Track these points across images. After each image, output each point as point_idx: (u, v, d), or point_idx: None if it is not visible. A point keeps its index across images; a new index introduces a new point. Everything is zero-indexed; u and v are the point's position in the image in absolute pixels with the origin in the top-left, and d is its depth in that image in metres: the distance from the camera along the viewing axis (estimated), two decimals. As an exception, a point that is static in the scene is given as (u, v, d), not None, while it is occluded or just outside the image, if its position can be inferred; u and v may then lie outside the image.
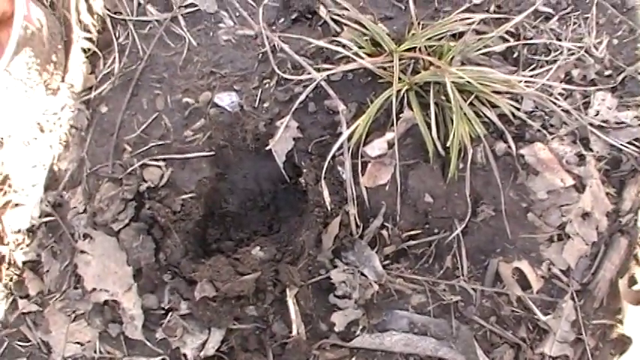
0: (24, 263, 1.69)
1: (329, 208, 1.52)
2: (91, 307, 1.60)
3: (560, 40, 1.64)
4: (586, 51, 1.64)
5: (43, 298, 1.65)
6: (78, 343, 1.60)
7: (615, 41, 1.67)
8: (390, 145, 1.52)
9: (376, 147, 1.52)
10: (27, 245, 1.70)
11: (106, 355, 1.58)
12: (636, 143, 1.57)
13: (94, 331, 1.59)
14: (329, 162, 1.53)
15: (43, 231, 1.70)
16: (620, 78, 1.63)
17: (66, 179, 1.70)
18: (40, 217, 1.70)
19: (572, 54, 1.63)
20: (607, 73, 1.64)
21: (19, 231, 1.72)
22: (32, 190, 1.73)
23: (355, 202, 1.53)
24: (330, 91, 1.56)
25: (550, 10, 1.68)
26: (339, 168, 1.54)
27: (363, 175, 1.54)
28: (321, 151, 1.59)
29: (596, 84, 1.62)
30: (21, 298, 1.67)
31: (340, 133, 1.53)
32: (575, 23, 1.67)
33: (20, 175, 1.74)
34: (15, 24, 1.49)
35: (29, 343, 1.64)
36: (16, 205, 1.73)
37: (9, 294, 1.68)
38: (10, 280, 1.69)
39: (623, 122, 1.56)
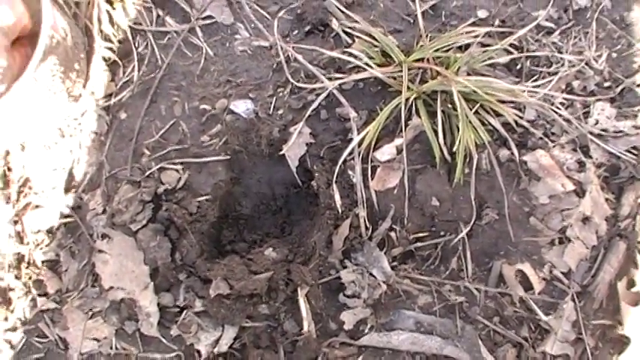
0: (43, 262, 1.77)
1: (339, 211, 1.61)
2: (108, 304, 1.67)
3: (561, 52, 1.74)
4: (586, 63, 1.74)
5: (61, 296, 1.73)
6: (95, 339, 1.67)
7: (614, 54, 1.76)
8: (399, 151, 1.61)
9: (385, 152, 1.61)
10: (46, 245, 1.78)
11: (121, 351, 1.65)
12: (634, 151, 1.65)
13: (110, 328, 1.66)
14: (340, 166, 1.62)
15: (62, 232, 1.78)
16: (618, 89, 1.72)
17: (85, 182, 1.79)
18: (59, 218, 1.78)
19: (573, 66, 1.72)
20: (606, 84, 1.73)
21: (38, 231, 1.80)
22: (52, 193, 1.81)
23: (365, 204, 1.61)
24: (342, 99, 1.65)
25: (552, 25, 1.78)
26: (350, 172, 1.63)
27: (372, 179, 1.62)
28: (333, 156, 1.68)
29: (595, 94, 1.71)
30: (40, 296, 1.75)
31: (351, 139, 1.62)
32: (575, 37, 1.76)
33: (41, 178, 1.83)
34: (42, 33, 1.59)
35: (47, 340, 1.71)
36: (37, 206, 1.82)
37: (28, 292, 1.76)
38: (29, 278, 1.77)
39: (621, 131, 1.65)
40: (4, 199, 1.85)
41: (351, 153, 1.61)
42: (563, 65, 1.71)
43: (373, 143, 1.62)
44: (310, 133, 1.68)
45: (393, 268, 1.60)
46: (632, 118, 1.67)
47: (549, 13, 1.77)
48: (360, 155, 1.61)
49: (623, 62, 1.76)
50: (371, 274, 1.58)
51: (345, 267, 1.60)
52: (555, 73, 1.70)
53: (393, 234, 1.62)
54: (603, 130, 1.66)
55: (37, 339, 1.72)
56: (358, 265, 1.59)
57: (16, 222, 1.83)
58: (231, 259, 1.61)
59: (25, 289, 1.76)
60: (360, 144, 1.61)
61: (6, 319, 1.75)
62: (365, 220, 1.61)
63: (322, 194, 1.64)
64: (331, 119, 1.71)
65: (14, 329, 1.74)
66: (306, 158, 1.69)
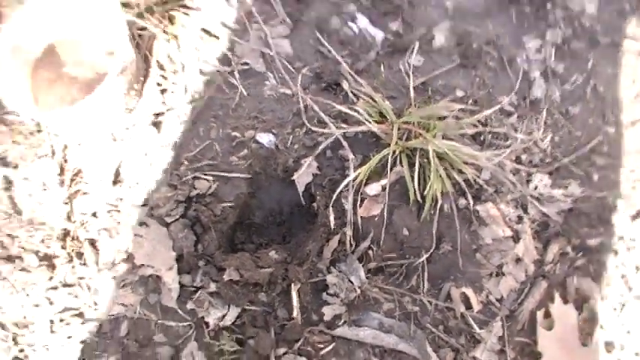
0: (85, 239, 2.20)
1: (332, 228, 2.07)
2: (137, 278, 2.09)
3: (516, 131, 2.24)
4: (534, 142, 2.24)
5: (97, 268, 2.15)
6: (122, 304, 2.09)
7: (557, 138, 2.27)
8: (383, 189, 2.08)
9: (373, 188, 2.09)
10: (90, 225, 2.21)
11: (143, 317, 2.07)
12: (562, 214, 2.16)
13: (136, 297, 2.08)
14: (337, 195, 2.06)
15: (105, 216, 2.21)
16: (556, 165, 2.22)
17: (129, 179, 2.24)
18: (103, 205, 2.22)
19: (524, 143, 2.23)
20: (547, 160, 2.23)
21: (85, 214, 2.23)
22: (100, 184, 2.24)
23: (352, 226, 2.07)
24: (345, 144, 2.13)
25: (512, 109, 2.29)
26: (344, 200, 2.10)
27: (360, 207, 2.09)
28: (332, 186, 2.13)
29: (538, 167, 2.21)
30: (80, 265, 2.17)
31: (348, 175, 2.09)
32: (529, 121, 2.29)
33: (91, 171, 2.26)
34: (118, 58, 2.06)
35: (82, 301, 2.12)
36: (85, 193, 2.23)
37: (70, 260, 2.16)
38: (72, 250, 2.18)
39: (554, 197, 2.15)
40: (59, 183, 2.28)
41: (346, 186, 2.08)
42: (516, 141, 2.22)
43: (364, 180, 2.09)
44: (317, 167, 2.16)
45: (367, 278, 2.06)
46: (563, 188, 2.19)
47: (511, 99, 2.29)
48: (353, 188, 2.09)
49: (562, 145, 2.27)
50: (349, 280, 2.04)
51: (330, 272, 2.05)
52: (509, 147, 2.20)
53: (370, 252, 2.08)
54: (540, 194, 2.16)
55: (73, 299, 2.12)
56: (341, 272, 2.05)
57: (66, 203, 2.24)
58: (243, 255, 2.07)
59: (67, 257, 2.16)
60: (354, 180, 2.08)
61: (50, 278, 2.15)
62: (350, 238, 2.07)
63: (320, 214, 2.11)
64: (334, 158, 2.19)
65: (55, 288, 2.14)
66: (311, 185, 2.15)
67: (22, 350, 2.07)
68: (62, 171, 2.27)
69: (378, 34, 2.40)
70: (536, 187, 2.17)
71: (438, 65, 2.35)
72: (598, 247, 2.16)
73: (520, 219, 2.13)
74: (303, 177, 2.13)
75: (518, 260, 2.08)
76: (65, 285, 2.13)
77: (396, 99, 2.27)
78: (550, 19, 2.42)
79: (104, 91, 2.04)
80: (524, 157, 2.21)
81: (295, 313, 2.01)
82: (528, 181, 2.18)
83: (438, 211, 2.06)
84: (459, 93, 2.28)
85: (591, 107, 2.33)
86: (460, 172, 2.09)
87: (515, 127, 2.25)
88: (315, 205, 2.13)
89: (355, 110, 2.16)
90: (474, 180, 2.11)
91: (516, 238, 2.10)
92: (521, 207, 2.15)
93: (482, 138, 2.22)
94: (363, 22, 2.42)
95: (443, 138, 2.11)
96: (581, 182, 2.22)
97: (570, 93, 2.34)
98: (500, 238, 2.08)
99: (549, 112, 2.29)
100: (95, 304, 2.10)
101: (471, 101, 2.25)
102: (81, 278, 2.14)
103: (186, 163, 2.20)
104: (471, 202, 2.09)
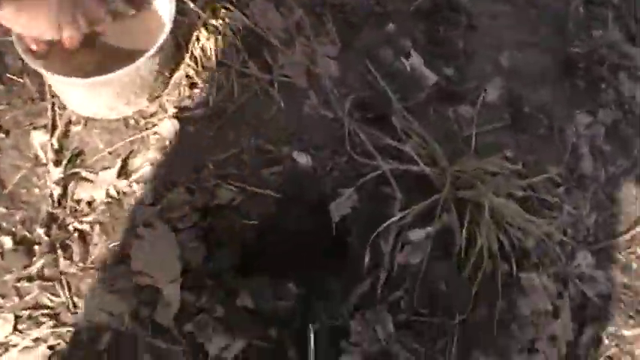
0: (75, 230, 1.97)
1: (364, 270, 1.94)
2: (132, 285, 1.88)
3: (563, 203, 2.21)
4: (580, 218, 2.22)
5: (84, 265, 1.92)
6: (108, 313, 1.85)
7: (600, 219, 2.26)
8: (427, 237, 1.98)
9: (417, 234, 1.98)
10: (83, 215, 1.98)
11: (130, 331, 1.83)
12: (601, 298, 2.11)
13: (126, 307, 1.85)
14: (376, 235, 1.96)
15: (103, 209, 1.99)
16: (599, 246, 2.20)
17: (139, 173, 2.04)
18: (104, 197, 2.00)
19: (570, 216, 2.19)
20: (590, 239, 2.21)
21: (79, 201, 2.00)
22: (103, 172, 2.04)
23: (386, 271, 1.95)
24: (392, 182, 2.03)
25: (560, 180, 2.26)
26: (382, 242, 1.98)
27: (400, 252, 1.98)
28: (371, 224, 2.02)
29: (581, 244, 2.18)
30: (64, 259, 1.93)
31: (391, 215, 1.98)
32: (576, 196, 2.26)
33: (95, 156, 2.06)
34: (166, 30, 1.92)
35: (59, 299, 1.87)
36: (84, 178, 2.03)
37: (53, 251, 1.93)
38: (57, 240, 1.95)
39: (595, 278, 2.11)
40: (54, 161, 2.05)
41: (388, 226, 1.96)
42: (562, 213, 2.18)
43: (408, 224, 1.98)
44: (357, 199, 2.03)
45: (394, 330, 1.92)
46: (605, 271, 2.14)
47: (560, 170, 2.27)
48: (395, 231, 1.97)
49: (606, 227, 2.26)
50: (374, 330, 1.89)
51: (353, 318, 1.90)
52: (555, 218, 2.16)
53: (401, 303, 1.95)
54: (582, 273, 2.11)
55: (48, 295, 1.87)
56: (366, 319, 1.90)
57: (58, 184, 2.02)
58: (261, 280, 1.88)
59: (50, 247, 1.93)
60: (398, 221, 1.97)
61: (25, 267, 1.90)
62: (382, 284, 1.94)
63: (352, 252, 1.97)
64: (376, 194, 2.07)
65: (30, 279, 1.89)
66: (347, 218, 2.03)
67: (-24, 345, 1.79)
68: (61, 149, 2.05)
69: (431, 77, 2.34)
70: (578, 265, 2.11)
71: (487, 121, 2.31)
72: (632, 338, 2.10)
73: (560, 295, 2.05)
74: (340, 207, 2.00)
75: (553, 338, 1.99)
76: (42, 278, 1.89)
77: (441, 145, 2.19)
78: (602, 99, 2.44)
79: (137, 68, 1.88)
80: (569, 231, 2.16)
81: (311, 358, 1.82)
82: (572, 258, 2.12)
83: (481, 273, 1.96)
84: (508, 153, 2.23)
85: (634, 194, 2.33)
86: (506, 233, 2.00)
87: (563, 199, 2.21)
88: (348, 240, 1.98)
89: (403, 148, 2.06)
90: (519, 245, 2.02)
91: (556, 314, 2.01)
92: (562, 282, 2.08)
93: (528, 204, 2.15)
94: (417, 60, 2.37)
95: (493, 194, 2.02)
96: (622, 269, 2.18)
97: (615, 176, 2.33)
98: (540, 312, 1.99)
99: (595, 192, 2.27)
100: (75, 306, 1.86)
101: (520, 164, 2.20)
102: (63, 273, 1.90)
103: (210, 167, 2.03)
104: (515, 268, 2.00)
